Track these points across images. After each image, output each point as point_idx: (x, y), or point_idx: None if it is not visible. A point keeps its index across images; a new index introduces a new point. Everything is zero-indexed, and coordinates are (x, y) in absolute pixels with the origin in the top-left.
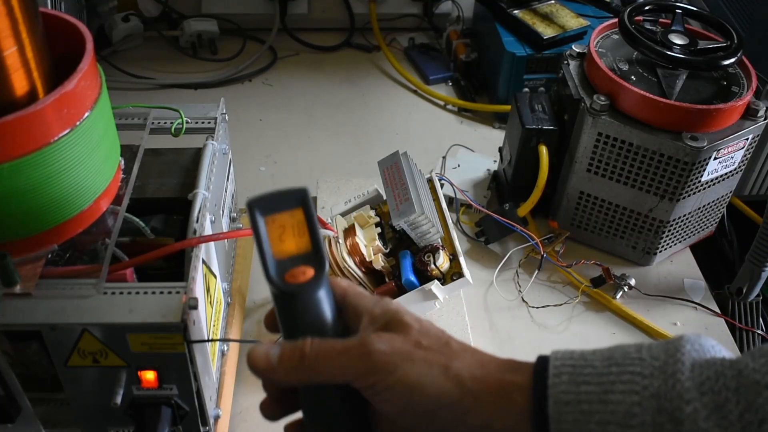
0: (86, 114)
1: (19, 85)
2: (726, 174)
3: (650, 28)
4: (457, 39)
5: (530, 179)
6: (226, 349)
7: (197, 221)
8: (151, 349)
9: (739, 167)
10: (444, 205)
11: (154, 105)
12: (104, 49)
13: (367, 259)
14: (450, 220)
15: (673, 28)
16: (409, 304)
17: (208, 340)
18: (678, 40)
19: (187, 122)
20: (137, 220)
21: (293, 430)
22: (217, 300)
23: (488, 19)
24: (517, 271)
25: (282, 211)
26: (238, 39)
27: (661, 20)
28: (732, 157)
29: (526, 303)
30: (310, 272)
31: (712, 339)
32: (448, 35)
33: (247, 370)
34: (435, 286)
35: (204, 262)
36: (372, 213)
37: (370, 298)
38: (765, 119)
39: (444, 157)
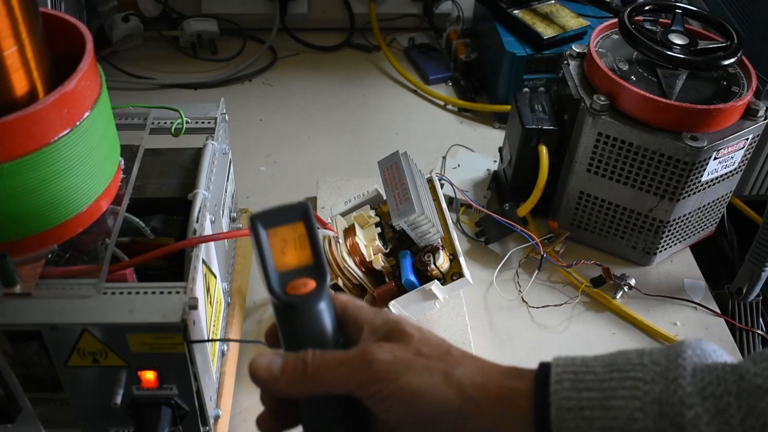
0: (86, 114)
1: (19, 85)
2: (726, 174)
3: (650, 28)
4: (457, 39)
5: (530, 179)
6: (226, 349)
7: (197, 221)
8: (151, 349)
9: (739, 167)
10: (444, 205)
11: (154, 105)
12: (104, 49)
13: (367, 259)
14: (450, 220)
15: (673, 28)
16: (409, 304)
17: (208, 340)
18: (678, 40)
19: (187, 122)
20: (137, 220)
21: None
22: (217, 300)
23: (488, 19)
24: (517, 271)
25: (284, 225)
26: (238, 39)
27: (661, 20)
28: (732, 157)
29: (526, 303)
30: (311, 284)
31: (714, 343)
32: (448, 35)
33: (247, 370)
34: (435, 286)
35: (204, 262)
36: (372, 213)
37: (371, 310)
38: (765, 119)
39: (444, 157)
